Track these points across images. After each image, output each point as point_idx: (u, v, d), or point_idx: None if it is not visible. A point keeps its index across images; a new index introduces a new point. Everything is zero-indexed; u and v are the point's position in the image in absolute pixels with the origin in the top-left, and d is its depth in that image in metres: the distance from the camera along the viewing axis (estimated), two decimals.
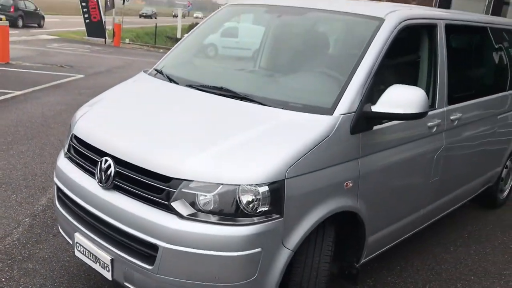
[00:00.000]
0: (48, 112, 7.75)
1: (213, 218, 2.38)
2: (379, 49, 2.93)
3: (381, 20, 3.08)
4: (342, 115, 2.70)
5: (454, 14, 3.96)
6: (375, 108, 2.77)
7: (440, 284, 3.68)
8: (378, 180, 3.03)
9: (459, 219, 4.93)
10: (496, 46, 4.47)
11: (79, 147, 2.93)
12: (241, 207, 2.37)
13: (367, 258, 3.29)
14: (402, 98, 2.75)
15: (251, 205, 2.37)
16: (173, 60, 3.71)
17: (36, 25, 26.89)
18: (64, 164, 3.03)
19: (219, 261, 2.36)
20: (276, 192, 2.40)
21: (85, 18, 23.73)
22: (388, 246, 3.50)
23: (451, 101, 3.66)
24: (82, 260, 2.85)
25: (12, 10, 24.42)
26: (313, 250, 2.67)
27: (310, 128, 2.61)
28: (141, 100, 3.24)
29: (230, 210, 2.38)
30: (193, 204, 2.39)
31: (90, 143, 2.82)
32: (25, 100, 8.56)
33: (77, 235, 2.82)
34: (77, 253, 2.87)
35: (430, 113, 3.41)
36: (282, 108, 2.77)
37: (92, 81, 11.35)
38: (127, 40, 26.95)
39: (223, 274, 2.39)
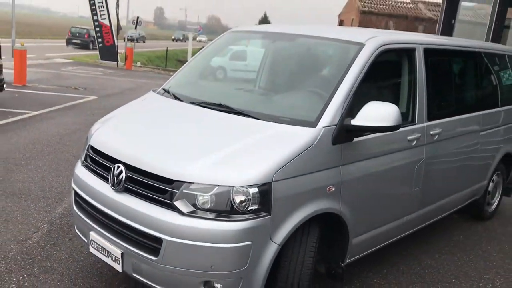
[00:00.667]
0: (63, 131, 8.22)
1: (210, 215, 2.75)
2: (358, 71, 3.33)
3: (361, 45, 3.48)
4: (324, 127, 3.08)
5: (432, 39, 4.35)
6: (354, 121, 3.15)
7: (422, 285, 4.00)
8: (360, 186, 3.39)
9: (448, 229, 5.25)
10: (474, 68, 4.84)
11: (94, 156, 3.33)
12: (235, 206, 2.74)
13: (352, 259, 3.63)
14: (377, 113, 3.13)
15: (243, 204, 2.74)
16: (179, 80, 4.14)
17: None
18: (81, 172, 3.43)
19: (215, 252, 2.72)
20: (265, 193, 2.77)
21: (98, 43, 24.49)
22: (373, 249, 3.84)
23: (430, 117, 4.02)
24: (96, 257, 3.22)
25: (86, 36, 33.77)
26: (298, 246, 3.02)
27: (295, 138, 3.00)
28: (149, 115, 3.66)
29: (225, 208, 2.75)
30: (193, 203, 2.77)
31: (104, 152, 3.23)
32: (41, 120, 9.05)
33: (91, 234, 3.20)
34: (91, 250, 3.24)
35: (409, 127, 3.80)
36: (272, 122, 3.16)
37: (104, 102, 11.86)
38: (138, 63, 27.65)
39: (218, 264, 2.75)
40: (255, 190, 2.74)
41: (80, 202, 3.37)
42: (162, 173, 2.85)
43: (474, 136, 4.77)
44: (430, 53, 4.08)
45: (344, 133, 3.17)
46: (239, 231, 2.72)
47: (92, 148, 3.40)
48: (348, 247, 3.47)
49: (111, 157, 3.15)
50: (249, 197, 2.73)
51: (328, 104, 3.18)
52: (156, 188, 2.86)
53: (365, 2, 40.06)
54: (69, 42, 34.27)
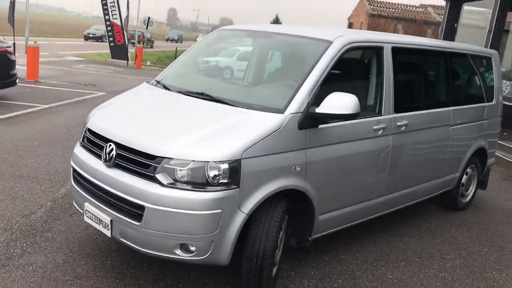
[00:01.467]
0: (70, 123, 8.71)
1: (187, 187, 3.18)
2: (325, 65, 3.74)
3: (329, 43, 3.90)
4: (291, 114, 3.50)
5: (401, 39, 4.73)
6: (318, 109, 3.57)
7: (386, 262, 4.39)
8: (324, 168, 3.80)
9: (422, 217, 5.64)
10: (443, 67, 5.21)
11: (90, 137, 3.78)
12: (208, 179, 3.17)
13: (320, 235, 4.04)
14: (339, 102, 3.54)
15: (215, 178, 3.17)
16: (170, 73, 4.58)
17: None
18: (79, 151, 3.88)
19: (190, 217, 3.15)
20: (234, 168, 3.19)
21: (109, 41, 25.06)
22: (339, 227, 4.25)
23: (397, 110, 4.42)
24: (91, 229, 3.67)
25: (142, 37, 37.93)
26: (265, 217, 3.44)
27: (264, 123, 3.42)
28: (140, 102, 4.12)
29: (200, 181, 3.17)
30: (172, 176, 3.20)
31: (99, 133, 3.67)
32: (50, 112, 9.57)
33: (86, 205, 3.65)
34: (86, 219, 3.68)
35: (375, 118, 4.21)
36: (246, 108, 3.59)
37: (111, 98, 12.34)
38: (148, 63, 28.22)
39: (192, 228, 3.17)
40: (226, 166, 3.17)
41: (78, 177, 3.82)
42: (146, 150, 3.29)
43: (444, 129, 5.15)
44: (398, 51, 4.48)
45: (310, 119, 3.59)
46: (211, 200, 3.15)
47: (89, 130, 3.85)
48: (315, 223, 3.88)
49: (104, 137, 3.60)
50: (220, 172, 3.16)
51: (296, 94, 3.60)
52: (141, 163, 3.30)
53: (374, 6, 40.35)
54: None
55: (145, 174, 3.27)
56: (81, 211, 3.78)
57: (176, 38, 62.74)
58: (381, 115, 4.27)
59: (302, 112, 3.55)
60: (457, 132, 5.35)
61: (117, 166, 3.44)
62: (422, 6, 42.14)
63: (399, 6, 41.41)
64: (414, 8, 41.36)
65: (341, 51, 3.88)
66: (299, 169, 3.58)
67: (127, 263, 3.89)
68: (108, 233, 3.47)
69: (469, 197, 6.17)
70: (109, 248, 4.10)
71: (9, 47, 10.48)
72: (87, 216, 3.66)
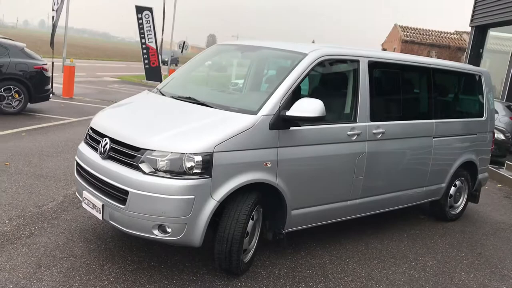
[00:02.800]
0: None
1: (166, 175, 3.65)
2: (298, 74, 4.19)
3: (304, 55, 4.35)
4: (262, 115, 3.95)
5: (378, 54, 5.11)
6: (288, 112, 4.00)
7: (359, 259, 4.71)
8: (296, 166, 4.20)
9: (408, 225, 5.91)
10: (426, 82, 5.55)
11: (91, 133, 4.33)
12: (184, 169, 3.63)
13: (294, 229, 4.42)
14: (306, 106, 3.97)
15: (191, 168, 3.63)
16: (170, 82, 5.11)
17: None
18: (82, 147, 4.43)
19: (166, 201, 3.61)
20: (207, 160, 3.65)
21: (145, 64, 26.20)
22: (314, 224, 4.61)
23: (374, 118, 4.79)
24: (93, 219, 4.17)
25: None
26: (236, 206, 3.86)
27: (237, 122, 3.88)
28: (137, 105, 4.66)
29: (177, 170, 3.64)
30: (154, 165, 3.67)
31: (97, 129, 4.22)
32: (78, 125, 10.31)
33: (84, 193, 4.16)
34: (84, 205, 4.20)
35: (349, 125, 4.61)
36: (225, 110, 4.06)
37: None
38: None
39: (168, 210, 3.63)
40: (199, 157, 3.63)
41: (79, 169, 4.35)
42: (133, 143, 3.79)
43: (426, 140, 5.46)
44: (375, 65, 4.88)
45: (281, 121, 4.02)
46: (184, 186, 3.61)
47: (91, 128, 4.40)
48: (287, 217, 4.27)
49: (101, 133, 4.13)
50: (194, 163, 3.62)
51: (268, 98, 4.05)
52: (128, 154, 3.80)
53: (407, 32, 40.52)
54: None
55: (131, 164, 3.77)
56: (80, 199, 4.30)
57: (166, 60, 43.21)
58: (356, 122, 4.65)
59: (273, 115, 3.99)
60: (440, 144, 5.64)
61: (110, 158, 3.95)
62: (457, 33, 41.99)
63: (433, 33, 41.42)
64: (448, 35, 41.27)
65: (314, 62, 4.33)
66: (270, 165, 4.00)
67: (119, 247, 4.36)
68: (99, 216, 3.97)
69: (459, 209, 6.39)
70: (106, 235, 4.59)
71: (45, 64, 11.37)
72: (85, 203, 4.17)
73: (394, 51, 40.59)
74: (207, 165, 3.66)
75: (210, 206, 3.71)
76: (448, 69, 5.96)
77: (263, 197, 4.13)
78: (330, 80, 4.80)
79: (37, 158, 7.10)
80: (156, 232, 3.70)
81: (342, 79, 4.77)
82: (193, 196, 3.63)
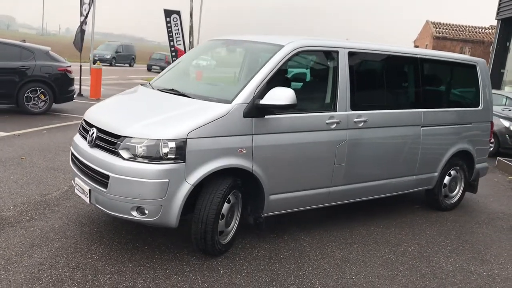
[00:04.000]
0: None
1: (144, 160, 3.92)
2: (273, 65, 4.39)
3: (281, 46, 4.55)
4: (237, 104, 4.17)
5: (358, 44, 5.19)
6: (262, 101, 4.21)
7: (340, 244, 4.86)
8: (272, 153, 4.39)
9: (400, 212, 6.00)
10: (412, 72, 5.63)
11: (83, 124, 4.66)
12: (161, 154, 3.90)
13: (273, 213, 4.62)
14: (278, 95, 4.17)
15: (166, 153, 3.89)
16: (162, 76, 5.40)
17: None
18: (76, 137, 4.76)
19: (142, 184, 3.88)
20: (180, 146, 3.90)
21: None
22: (294, 209, 4.79)
23: (355, 107, 4.94)
24: (78, 196, 4.49)
25: (165, 61, 34.82)
26: (212, 189, 4.09)
27: (212, 110, 4.11)
28: (126, 98, 4.98)
29: (154, 155, 3.90)
30: (133, 152, 3.95)
31: (87, 120, 4.54)
32: None
33: (76, 179, 4.49)
34: (75, 191, 4.52)
35: (328, 113, 4.77)
36: (202, 100, 4.31)
37: None
38: None
39: (144, 193, 3.90)
40: (173, 143, 3.89)
41: (73, 158, 4.69)
42: (114, 131, 4.09)
43: (413, 129, 5.55)
44: (357, 56, 5.03)
45: (255, 109, 4.23)
46: (159, 170, 3.87)
47: (83, 119, 4.73)
48: (265, 201, 4.48)
49: (90, 123, 4.45)
50: (169, 149, 3.88)
51: (243, 88, 4.27)
52: (110, 142, 4.10)
53: (439, 28, 39.78)
54: (149, 67, 36.54)
55: (113, 150, 4.06)
56: (74, 184, 4.63)
57: (108, 57, 35.84)
58: (335, 111, 4.81)
59: (248, 103, 4.21)
60: (430, 133, 5.71)
61: (96, 146, 4.26)
62: (492, 27, 40.87)
63: (466, 28, 40.47)
64: (483, 30, 40.24)
65: (291, 54, 4.52)
66: (245, 151, 4.22)
67: (109, 230, 4.67)
68: (87, 200, 4.28)
69: (455, 199, 6.43)
70: (100, 220, 4.91)
71: (69, 66, 11.93)
72: (76, 189, 4.50)
73: (426, 48, 39.93)
74: (181, 150, 3.91)
75: (185, 189, 3.96)
76: (438, 59, 6.02)
77: (242, 183, 4.36)
78: (308, 71, 4.98)
79: (53, 153, 7.54)
80: (134, 213, 3.98)
81: (321, 69, 4.94)
82: (167, 180, 3.89)
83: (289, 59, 4.52)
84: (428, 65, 5.83)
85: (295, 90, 4.45)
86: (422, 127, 5.63)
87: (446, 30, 39.77)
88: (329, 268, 4.28)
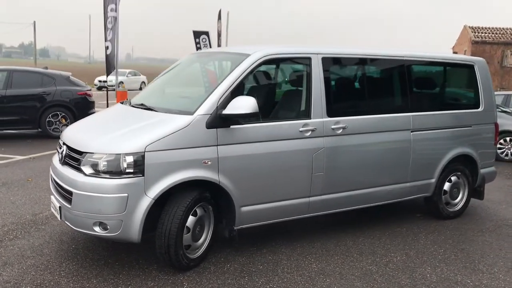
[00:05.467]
0: None
1: (105, 175, 3.93)
2: (237, 75, 4.33)
3: (247, 55, 4.49)
4: (198, 115, 4.12)
5: (333, 49, 5.00)
6: (224, 111, 4.15)
7: (321, 256, 4.68)
8: (241, 164, 4.30)
9: (399, 221, 5.76)
10: (398, 75, 5.41)
11: (59, 143, 4.74)
12: (121, 169, 3.89)
13: (248, 225, 4.51)
14: (240, 104, 4.10)
15: (125, 167, 3.88)
16: (142, 92, 5.44)
17: None
18: (54, 157, 4.85)
19: (102, 200, 3.88)
20: (138, 160, 3.88)
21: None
22: (272, 221, 4.66)
23: (332, 114, 4.79)
24: (53, 212, 4.54)
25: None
26: (175, 202, 4.05)
27: (172, 122, 4.08)
28: (100, 115, 5.04)
29: (113, 170, 3.90)
30: (95, 167, 3.97)
31: (61, 139, 4.61)
32: None
33: (51, 197, 4.56)
34: (51, 209, 4.58)
35: (301, 121, 4.64)
36: (166, 113, 4.29)
37: None
38: None
39: (104, 208, 3.89)
40: (131, 157, 3.88)
41: (51, 177, 4.77)
42: (77, 147, 4.13)
43: (402, 134, 5.32)
44: (332, 61, 4.89)
45: (219, 120, 4.17)
46: (118, 185, 3.86)
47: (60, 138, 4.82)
48: (237, 213, 4.38)
49: (63, 141, 4.52)
50: (127, 163, 3.87)
51: (206, 99, 4.23)
52: (74, 158, 4.14)
53: (478, 32, 38.59)
54: None
55: (76, 167, 4.10)
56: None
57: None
58: (310, 119, 4.68)
59: (210, 114, 4.16)
60: (421, 137, 5.46)
61: (66, 163, 4.32)
62: None
63: (508, 31, 39.05)
64: None
65: (257, 62, 4.44)
66: (210, 163, 4.15)
67: (87, 248, 4.69)
68: (58, 217, 4.32)
69: (459, 206, 6.09)
70: (81, 238, 4.94)
71: (89, 90, 12.30)
72: (51, 206, 4.56)
73: (464, 54, 38.78)
74: (139, 164, 3.89)
75: (145, 203, 3.93)
76: (429, 61, 5.79)
77: (212, 195, 4.29)
78: (279, 79, 4.88)
79: None
80: (97, 229, 3.98)
81: (293, 77, 4.83)
82: (126, 194, 3.87)
83: (255, 68, 4.45)
84: (416, 67, 5.61)
85: (266, 99, 4.37)
86: (412, 131, 5.39)
87: (486, 34, 38.53)
88: (300, 281, 4.12)
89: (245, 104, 4.09)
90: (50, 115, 11.47)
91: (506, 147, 10.67)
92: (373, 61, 5.34)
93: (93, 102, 12.40)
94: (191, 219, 4.17)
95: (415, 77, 5.56)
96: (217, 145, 4.20)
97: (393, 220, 5.84)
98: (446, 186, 5.92)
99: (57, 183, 4.35)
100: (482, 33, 38.87)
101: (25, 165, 8.32)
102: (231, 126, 4.25)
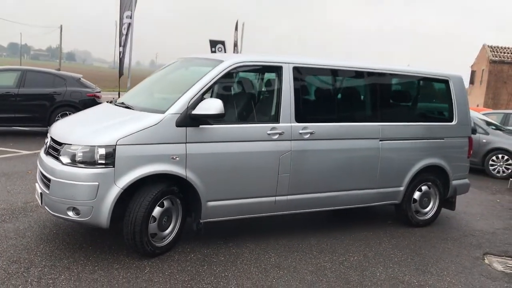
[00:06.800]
0: None
1: (80, 165, 4.31)
2: (209, 79, 4.70)
3: (220, 62, 4.86)
4: (169, 114, 4.49)
5: (304, 59, 5.32)
6: (194, 111, 4.52)
7: (282, 251, 4.97)
8: (207, 161, 4.64)
9: (368, 226, 6.01)
10: (368, 87, 5.71)
11: (47, 136, 5.16)
12: (94, 159, 4.28)
13: (214, 219, 4.84)
14: (208, 105, 4.47)
15: (97, 159, 4.27)
16: (128, 93, 5.85)
17: None
18: (41, 149, 5.27)
19: (75, 187, 4.26)
20: (110, 152, 4.26)
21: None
22: (237, 216, 4.98)
23: (300, 119, 5.11)
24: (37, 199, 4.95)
25: None
26: (142, 193, 4.41)
27: (144, 120, 4.46)
28: (86, 112, 5.45)
29: (89, 161, 4.29)
30: (72, 158, 4.36)
31: (49, 132, 5.03)
32: None
33: (36, 185, 4.96)
34: (36, 196, 4.99)
35: (270, 124, 4.99)
36: (141, 111, 4.67)
37: None
38: None
39: (76, 194, 4.27)
40: (103, 150, 4.26)
41: (38, 167, 5.18)
42: (58, 139, 4.54)
43: (370, 143, 5.60)
44: (302, 71, 5.23)
45: (188, 119, 4.54)
46: (90, 174, 4.24)
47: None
48: (203, 207, 4.72)
49: (49, 134, 4.94)
50: (99, 154, 4.26)
51: (178, 99, 4.60)
52: (55, 149, 4.55)
53: (496, 52, 38.44)
54: None
55: (56, 156, 4.50)
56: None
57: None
58: (278, 123, 5.01)
59: (181, 114, 4.52)
60: (390, 146, 5.74)
61: (48, 153, 4.72)
62: None
63: None
64: None
65: (228, 68, 4.81)
66: (177, 159, 4.51)
67: (66, 232, 5.08)
68: (40, 202, 4.72)
69: (429, 215, 6.33)
70: (64, 224, 5.33)
71: (98, 92, 12.82)
72: (36, 194, 4.96)
73: (482, 73, 38.65)
74: (110, 156, 4.27)
75: (114, 192, 4.30)
76: (403, 74, 6.07)
77: (180, 189, 4.65)
78: (249, 85, 5.23)
79: None
80: (70, 213, 4.35)
81: (263, 83, 5.19)
82: (97, 183, 4.25)
83: (227, 74, 4.82)
84: (388, 80, 5.90)
85: (237, 102, 4.72)
86: (380, 140, 5.68)
87: (504, 54, 38.35)
88: (254, 272, 4.43)
89: (212, 105, 4.45)
90: (59, 114, 11.97)
91: (498, 164, 10.81)
92: (344, 72, 5.65)
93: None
94: (157, 210, 4.52)
95: (387, 89, 5.86)
96: (185, 143, 4.56)
97: (362, 225, 6.10)
98: (416, 195, 6.17)
99: (41, 172, 4.76)
100: (500, 52, 38.71)
101: (28, 159, 8.79)
102: (201, 126, 4.61)
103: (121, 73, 16.76)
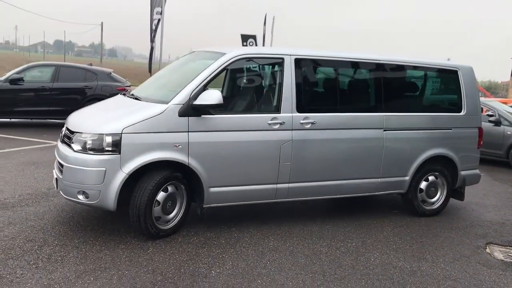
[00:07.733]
0: None
1: (90, 152, 4.64)
2: (211, 71, 4.94)
3: (222, 54, 5.08)
4: (172, 104, 4.76)
5: (306, 51, 5.49)
6: (195, 102, 4.77)
7: (281, 237, 5.17)
8: (209, 149, 4.89)
9: (373, 215, 6.13)
10: (373, 77, 5.81)
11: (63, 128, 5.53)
12: (103, 147, 4.60)
13: (216, 205, 5.09)
14: (208, 96, 4.71)
15: (105, 146, 4.58)
16: (142, 85, 6.15)
17: None
18: (59, 139, 5.65)
19: (84, 172, 4.59)
20: (116, 140, 4.57)
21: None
22: (239, 202, 5.21)
23: (301, 110, 5.28)
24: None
25: None
26: (147, 179, 4.70)
27: (148, 110, 4.74)
28: (101, 104, 5.79)
29: (96, 147, 4.61)
30: (83, 145, 4.70)
31: (65, 122, 5.39)
32: None
33: (53, 171, 5.34)
34: (53, 181, 5.36)
35: (270, 114, 5.18)
36: (148, 102, 4.96)
37: None
38: None
39: (85, 179, 4.60)
40: (110, 137, 4.57)
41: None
42: (71, 128, 4.89)
43: (374, 132, 5.71)
44: (304, 62, 5.39)
45: (190, 109, 4.79)
46: (98, 160, 4.57)
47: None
48: (205, 193, 4.98)
49: (65, 124, 5.31)
50: (106, 142, 4.57)
51: (181, 91, 4.86)
52: (68, 137, 4.90)
53: None
54: None
55: (69, 144, 4.85)
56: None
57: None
58: (279, 113, 5.20)
59: (183, 104, 4.78)
60: (394, 136, 5.83)
61: (63, 142, 5.08)
62: None
63: None
64: None
65: (230, 61, 5.04)
66: (180, 146, 4.78)
67: (81, 216, 5.44)
68: (56, 187, 5.08)
69: (436, 205, 6.37)
70: (80, 208, 5.70)
71: (128, 86, 13.29)
72: (53, 179, 5.34)
73: None
74: (116, 143, 4.58)
75: (120, 177, 4.60)
76: (409, 65, 6.12)
77: (184, 176, 4.92)
78: (251, 76, 5.44)
79: None
80: (80, 196, 4.69)
81: (265, 75, 5.38)
82: (104, 168, 4.57)
83: (228, 66, 5.04)
84: (393, 71, 5.98)
85: (240, 93, 4.94)
86: (384, 130, 5.77)
87: None
88: (251, 254, 4.65)
89: (211, 96, 4.69)
90: None
91: None
92: (347, 64, 5.78)
93: None
94: (161, 195, 4.81)
95: (391, 80, 5.93)
96: (188, 132, 4.81)
97: (367, 214, 6.22)
98: (423, 184, 6.23)
99: (57, 159, 5.12)
100: None
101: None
102: (203, 116, 4.85)
103: (151, 68, 17.27)
